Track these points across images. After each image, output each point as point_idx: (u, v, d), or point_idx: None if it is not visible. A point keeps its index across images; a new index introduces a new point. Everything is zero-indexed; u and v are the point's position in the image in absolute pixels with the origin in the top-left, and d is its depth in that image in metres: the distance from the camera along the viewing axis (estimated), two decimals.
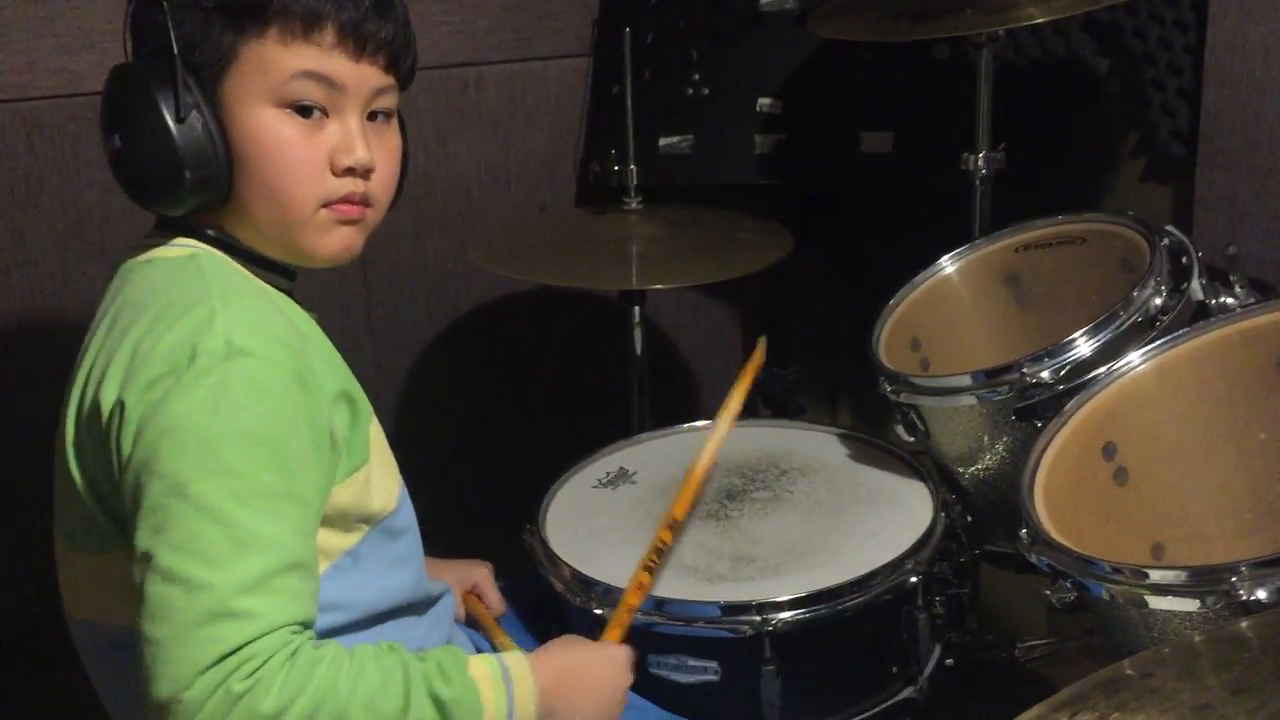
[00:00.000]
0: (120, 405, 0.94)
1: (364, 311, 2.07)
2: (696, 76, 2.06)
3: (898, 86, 1.99)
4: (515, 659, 1.05)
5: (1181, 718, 0.73)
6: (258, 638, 0.88)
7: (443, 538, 1.22)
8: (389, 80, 1.07)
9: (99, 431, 0.96)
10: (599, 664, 1.14)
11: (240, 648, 0.88)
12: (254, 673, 0.88)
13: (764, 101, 2.03)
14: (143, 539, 0.91)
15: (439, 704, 0.96)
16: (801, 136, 2.02)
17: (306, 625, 0.93)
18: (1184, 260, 1.37)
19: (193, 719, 0.87)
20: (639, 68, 1.91)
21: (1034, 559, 1.12)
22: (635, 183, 1.92)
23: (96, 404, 0.96)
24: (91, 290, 1.81)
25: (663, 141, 2.05)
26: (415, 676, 0.96)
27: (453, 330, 2.16)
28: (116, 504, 0.97)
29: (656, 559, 1.28)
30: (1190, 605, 0.98)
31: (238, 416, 0.92)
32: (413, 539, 1.16)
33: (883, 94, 2.00)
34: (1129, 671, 0.79)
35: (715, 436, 1.37)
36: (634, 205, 1.93)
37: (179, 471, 0.91)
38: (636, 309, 1.90)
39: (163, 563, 0.89)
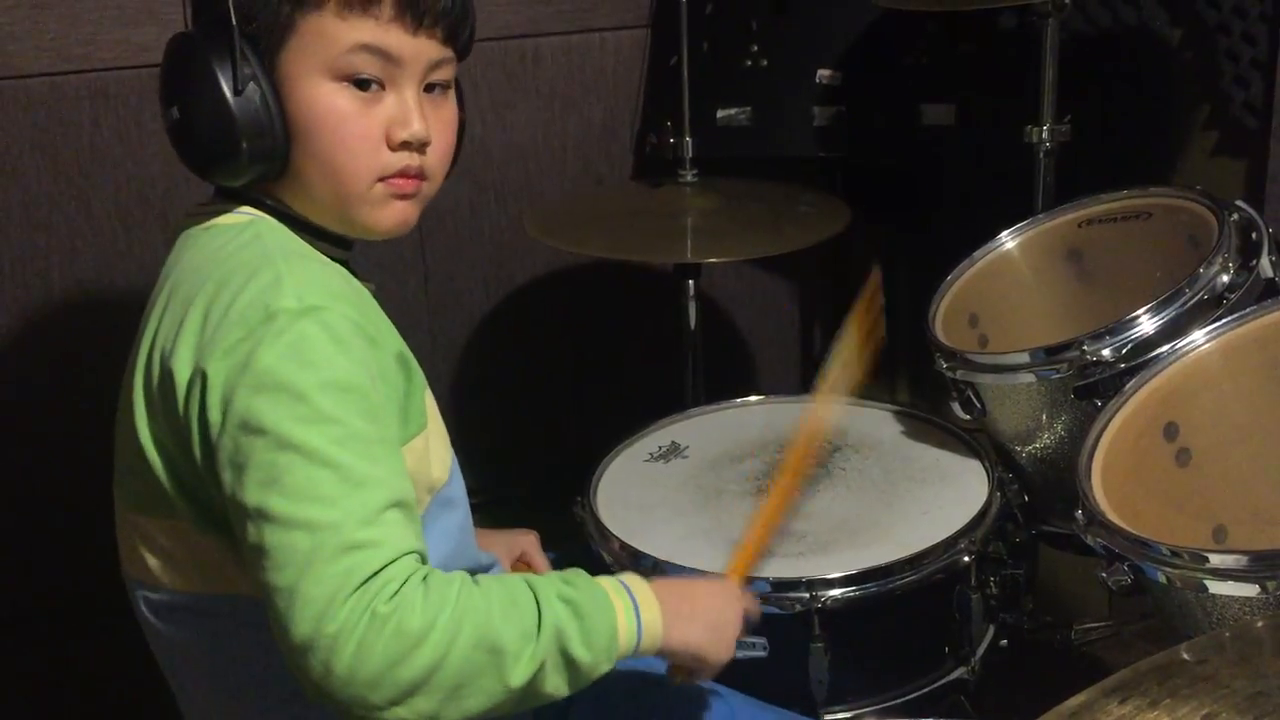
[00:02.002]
0: (201, 374, 0.95)
1: (420, 283, 2.08)
2: (755, 48, 2.03)
3: (961, 57, 1.95)
4: (627, 575, 1.05)
5: (1235, 705, 0.71)
6: (389, 563, 0.89)
7: (494, 510, 1.23)
8: (447, 52, 1.06)
9: (173, 401, 0.97)
10: (708, 587, 1.12)
11: (376, 573, 0.89)
12: (395, 594, 0.88)
13: (823, 73, 2.00)
14: (252, 495, 0.91)
15: (570, 603, 0.96)
16: (861, 109, 1.99)
17: (424, 555, 0.94)
18: (1254, 236, 1.33)
19: (340, 651, 0.87)
20: (697, 39, 1.89)
21: (1090, 540, 1.10)
22: (691, 155, 1.91)
23: (169, 374, 0.97)
24: (155, 260, 1.84)
25: (720, 113, 2.03)
26: (540, 585, 0.97)
27: (508, 302, 2.17)
28: (188, 470, 0.98)
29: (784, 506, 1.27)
30: (1251, 590, 0.96)
31: (323, 367, 0.94)
32: (464, 510, 1.17)
33: (945, 65, 1.96)
34: (1185, 657, 0.78)
35: (828, 385, 1.34)
36: (690, 178, 1.91)
37: (278, 424, 0.91)
38: (691, 282, 1.89)
39: (279, 511, 0.90)
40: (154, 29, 1.79)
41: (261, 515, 0.91)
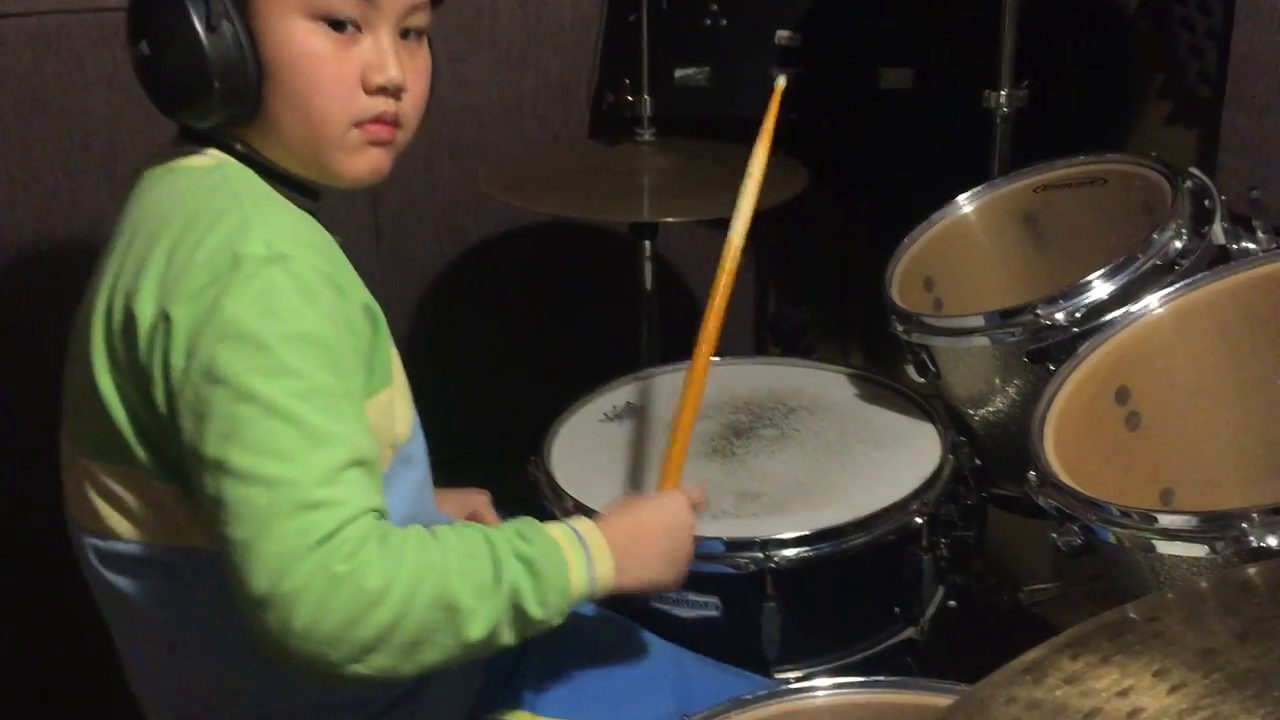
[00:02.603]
0: (164, 318, 0.93)
1: (373, 240, 2.05)
2: (714, 7, 2.01)
3: (920, 21, 1.94)
4: (582, 522, 1.06)
5: (1186, 661, 0.72)
6: (348, 523, 0.89)
7: (447, 469, 1.21)
8: None
9: (135, 343, 0.95)
10: (657, 514, 1.14)
11: (334, 532, 0.88)
12: (352, 553, 0.88)
13: (782, 34, 1.99)
14: (211, 447, 0.90)
15: (526, 561, 0.97)
16: (820, 71, 1.98)
17: (383, 513, 0.94)
18: (1206, 204, 1.34)
19: (297, 609, 0.87)
20: None
21: (1042, 501, 1.10)
22: (649, 114, 1.89)
23: (131, 315, 0.95)
24: (97, 208, 1.81)
25: (678, 73, 2.01)
26: (498, 540, 0.97)
27: (462, 260, 2.14)
28: (148, 417, 0.96)
29: (700, 390, 1.28)
30: (1199, 551, 0.97)
31: (289, 319, 0.92)
32: (424, 468, 1.16)
33: (904, 29, 1.96)
34: (1132, 615, 0.78)
35: (741, 216, 1.36)
36: (648, 137, 1.90)
37: (240, 375, 0.90)
38: (648, 243, 1.88)
39: (237, 464, 0.89)
40: None
41: (220, 467, 0.90)
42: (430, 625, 0.92)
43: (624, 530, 1.09)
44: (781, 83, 1.40)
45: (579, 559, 1.02)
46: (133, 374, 0.97)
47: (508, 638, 0.97)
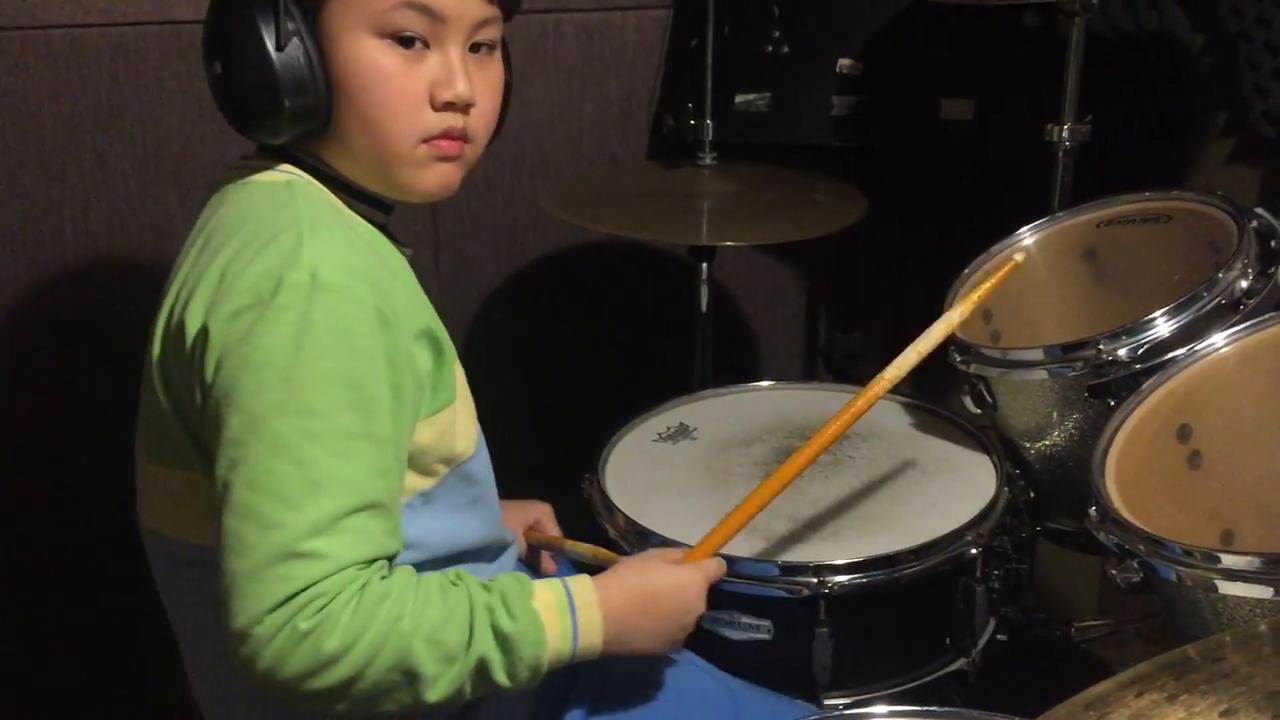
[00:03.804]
0: (204, 331, 0.95)
1: (432, 255, 2.07)
2: (777, 34, 2.03)
3: (982, 53, 1.95)
4: (582, 586, 1.05)
5: (1254, 702, 0.72)
6: (325, 577, 0.90)
7: (502, 485, 1.23)
8: (493, 11, 1.06)
9: (183, 353, 0.98)
10: (670, 590, 1.11)
11: (308, 587, 0.90)
12: (320, 610, 0.90)
13: (844, 62, 2.00)
14: (222, 470, 0.93)
15: (501, 637, 0.97)
16: (881, 100, 1.99)
17: (376, 560, 0.94)
18: (1273, 244, 1.34)
19: (261, 653, 0.90)
20: (719, 23, 1.88)
21: (1102, 537, 1.10)
22: (710, 138, 1.90)
23: (182, 325, 0.98)
24: (167, 217, 1.85)
25: (739, 98, 2.03)
26: (479, 609, 0.97)
27: (519, 278, 2.16)
28: (198, 424, 0.98)
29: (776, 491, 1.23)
30: (1263, 592, 0.97)
31: (319, 355, 0.93)
32: (487, 485, 1.17)
33: (966, 60, 1.96)
34: (1192, 655, 0.78)
35: (915, 354, 1.32)
36: (708, 161, 1.91)
37: (257, 407, 0.92)
38: (704, 265, 1.89)
39: (239, 497, 0.91)
40: None
41: (225, 493, 0.92)
42: (387, 685, 0.93)
43: (631, 598, 1.08)
44: (1019, 259, 1.44)
45: (562, 632, 1.01)
46: (183, 380, 0.99)
47: (475, 693, 0.98)
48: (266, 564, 0.89)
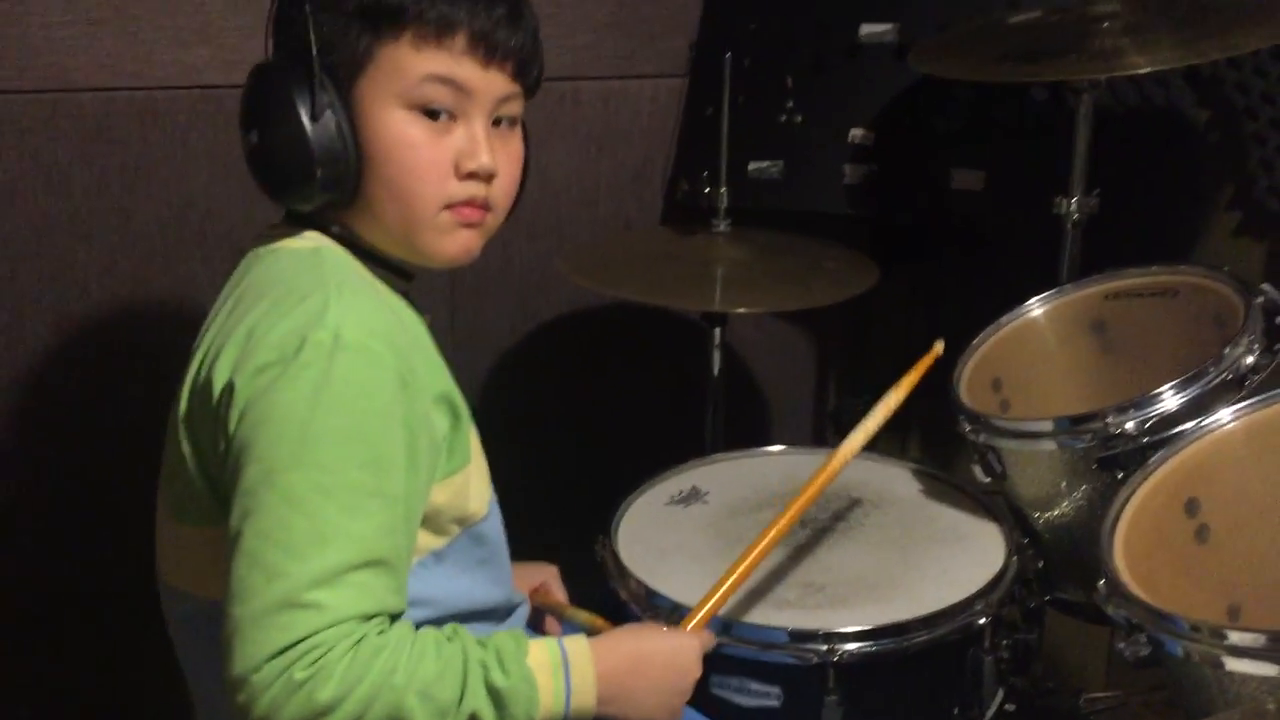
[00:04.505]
0: (230, 387, 0.98)
1: (448, 315, 2.10)
2: (790, 104, 2.07)
3: (992, 125, 1.98)
4: (577, 646, 1.07)
5: None
6: (324, 629, 0.92)
7: (514, 545, 1.24)
8: (515, 88, 1.10)
9: (209, 409, 1.00)
10: (665, 653, 1.13)
11: (306, 637, 0.91)
12: (316, 661, 0.91)
13: (856, 132, 2.04)
14: (234, 520, 0.95)
15: (494, 693, 0.99)
16: (892, 169, 2.02)
17: (376, 616, 0.96)
18: (1278, 320, 1.36)
19: (258, 701, 0.91)
20: (734, 92, 1.92)
21: (1111, 611, 1.11)
22: (724, 205, 1.94)
23: (209, 382, 1.01)
24: (191, 278, 1.88)
25: (752, 166, 2.06)
26: (473, 665, 0.99)
27: (534, 339, 2.19)
28: (220, 479, 1.01)
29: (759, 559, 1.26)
30: (1269, 670, 0.98)
31: (336, 412, 0.96)
32: (499, 546, 1.19)
33: (977, 132, 1.99)
34: None
35: (862, 434, 1.35)
36: (722, 227, 1.94)
37: (272, 459, 0.94)
38: (717, 330, 1.92)
39: (248, 545, 0.94)
40: (206, 51, 1.82)
41: (236, 542, 0.94)
42: None
43: (624, 661, 1.10)
44: (939, 349, 1.46)
45: (555, 691, 1.03)
46: (207, 435, 1.02)
47: None
48: (268, 612, 0.91)
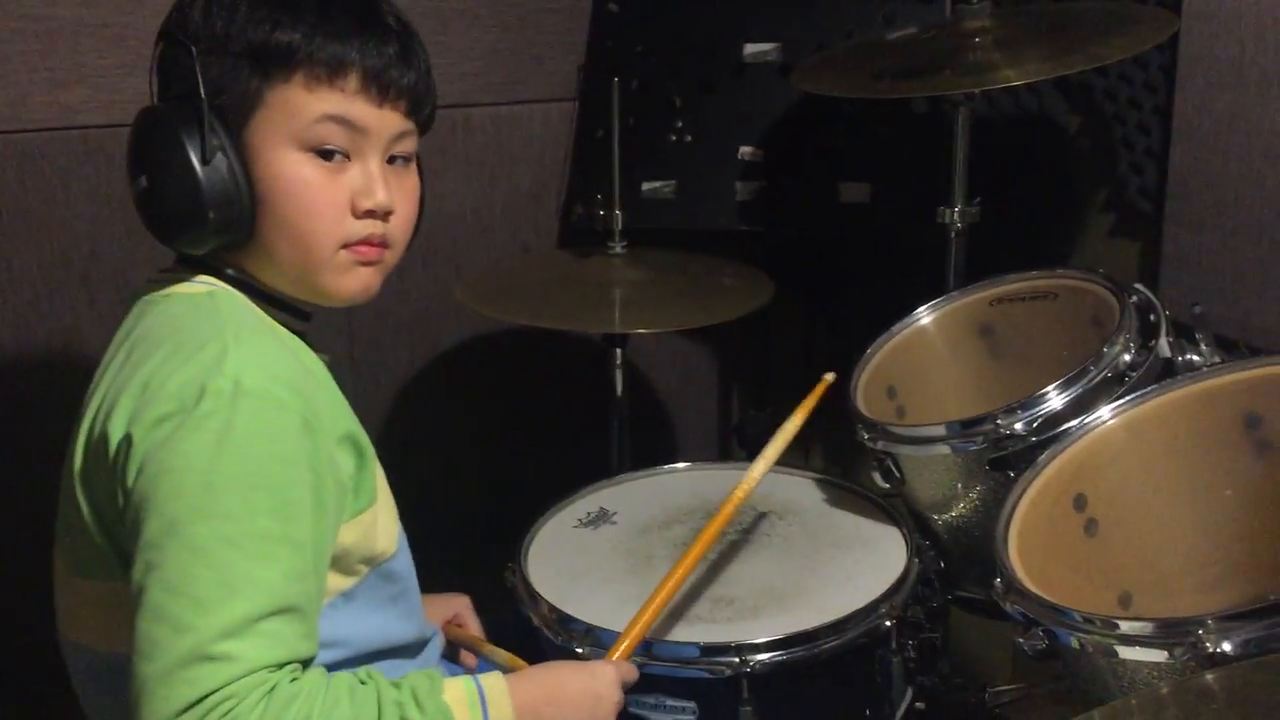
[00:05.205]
0: (128, 439, 0.96)
1: (347, 350, 2.09)
2: (680, 124, 2.10)
3: (876, 139, 2.04)
4: (492, 680, 1.06)
5: None
6: (235, 679, 0.90)
7: (422, 576, 1.24)
8: (409, 125, 1.10)
9: (105, 463, 0.98)
10: (580, 682, 1.14)
11: (216, 690, 0.90)
12: (228, 713, 0.89)
13: (745, 150, 2.07)
14: (137, 574, 0.93)
15: None
16: (782, 185, 2.06)
17: (288, 664, 0.95)
18: (1152, 318, 1.42)
19: None
20: (624, 113, 1.94)
21: (1008, 607, 1.15)
22: (620, 227, 1.95)
23: (105, 435, 0.98)
24: (75, 322, 1.84)
25: (645, 186, 2.09)
26: (388, 705, 0.98)
27: (435, 368, 2.18)
28: (121, 534, 0.99)
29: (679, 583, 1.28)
30: (1159, 656, 1.02)
31: (239, 461, 0.95)
32: (409, 582, 1.18)
33: (861, 146, 2.05)
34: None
35: (764, 462, 1.38)
36: (618, 249, 1.96)
37: (175, 511, 0.93)
38: (619, 351, 1.93)
39: (153, 600, 0.92)
40: (84, 91, 1.79)
41: (140, 596, 0.93)
42: None
43: (540, 691, 1.10)
44: (830, 378, 1.49)
45: None
46: (105, 490, 1.00)
47: None
48: (176, 667, 0.89)
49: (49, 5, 1.75)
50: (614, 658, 1.21)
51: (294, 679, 0.94)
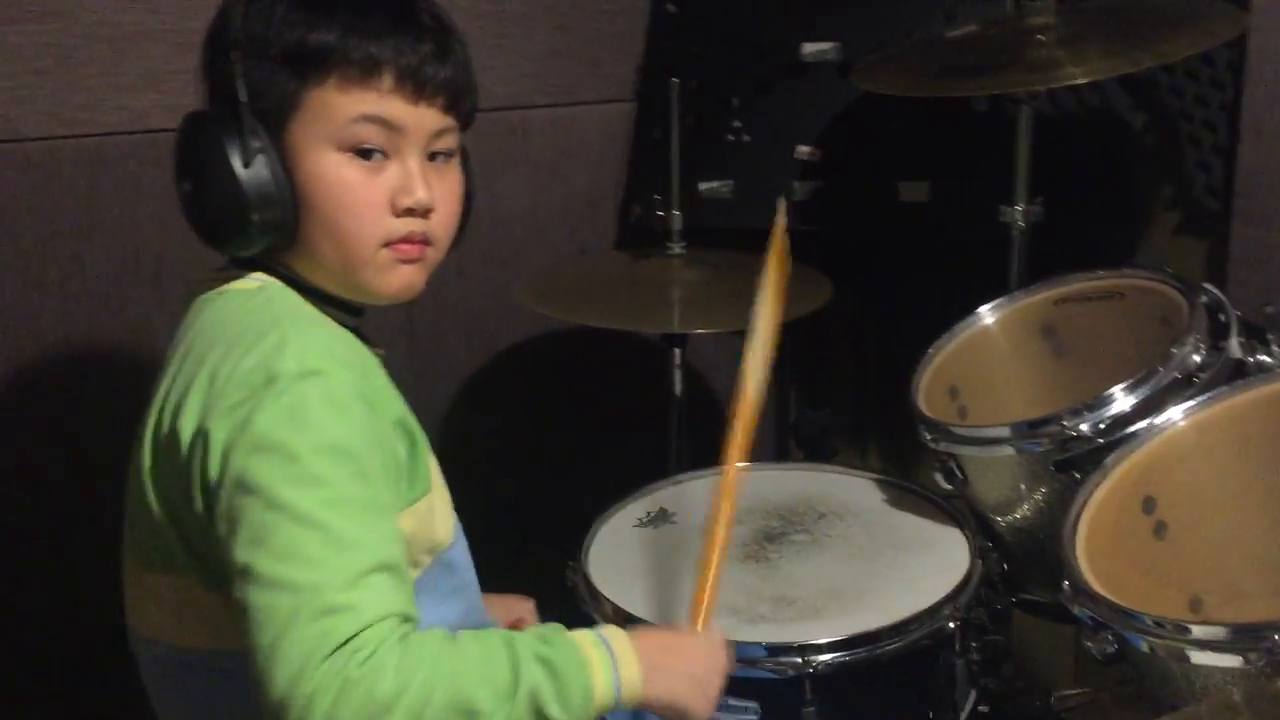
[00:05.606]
0: (203, 433, 0.98)
1: (406, 345, 2.11)
2: (737, 123, 2.10)
3: (935, 137, 2.02)
4: (609, 628, 1.07)
5: None
6: (367, 627, 0.91)
7: (483, 574, 1.25)
8: (448, 121, 1.11)
9: (178, 459, 1.00)
10: (696, 640, 1.15)
11: (352, 637, 0.90)
12: (368, 659, 0.90)
13: (803, 149, 2.07)
14: (241, 553, 0.94)
15: (546, 663, 0.98)
16: (839, 184, 2.05)
17: (408, 618, 0.96)
18: (1221, 318, 1.40)
19: (314, 708, 0.89)
20: (681, 114, 1.95)
21: (1076, 611, 1.14)
22: (678, 227, 1.95)
23: (175, 432, 1.00)
24: (145, 321, 1.88)
25: (703, 185, 2.09)
26: (518, 644, 0.99)
27: (494, 367, 2.20)
28: (193, 529, 1.01)
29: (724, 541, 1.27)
30: (1233, 661, 1.00)
31: (318, 430, 0.96)
32: (468, 574, 1.19)
33: (920, 144, 2.03)
34: None
35: (760, 339, 1.38)
36: (676, 249, 1.96)
37: (271, 485, 0.94)
38: (677, 351, 1.94)
39: (264, 571, 0.92)
40: (153, 96, 1.82)
41: (249, 573, 0.93)
42: None
43: (656, 641, 1.11)
44: (781, 207, 1.45)
45: (603, 660, 1.02)
46: (177, 486, 1.01)
47: None
48: (305, 623, 0.90)
49: (119, 12, 1.79)
50: (701, 623, 1.20)
51: (415, 629, 0.95)
